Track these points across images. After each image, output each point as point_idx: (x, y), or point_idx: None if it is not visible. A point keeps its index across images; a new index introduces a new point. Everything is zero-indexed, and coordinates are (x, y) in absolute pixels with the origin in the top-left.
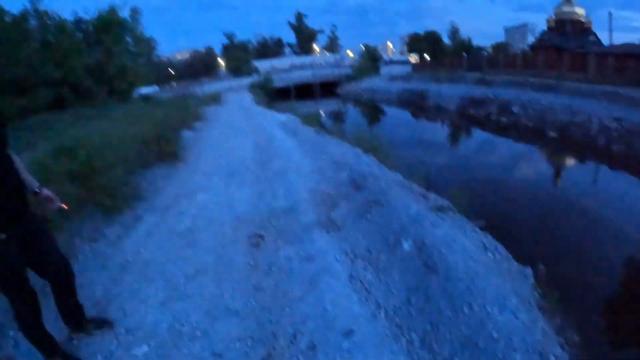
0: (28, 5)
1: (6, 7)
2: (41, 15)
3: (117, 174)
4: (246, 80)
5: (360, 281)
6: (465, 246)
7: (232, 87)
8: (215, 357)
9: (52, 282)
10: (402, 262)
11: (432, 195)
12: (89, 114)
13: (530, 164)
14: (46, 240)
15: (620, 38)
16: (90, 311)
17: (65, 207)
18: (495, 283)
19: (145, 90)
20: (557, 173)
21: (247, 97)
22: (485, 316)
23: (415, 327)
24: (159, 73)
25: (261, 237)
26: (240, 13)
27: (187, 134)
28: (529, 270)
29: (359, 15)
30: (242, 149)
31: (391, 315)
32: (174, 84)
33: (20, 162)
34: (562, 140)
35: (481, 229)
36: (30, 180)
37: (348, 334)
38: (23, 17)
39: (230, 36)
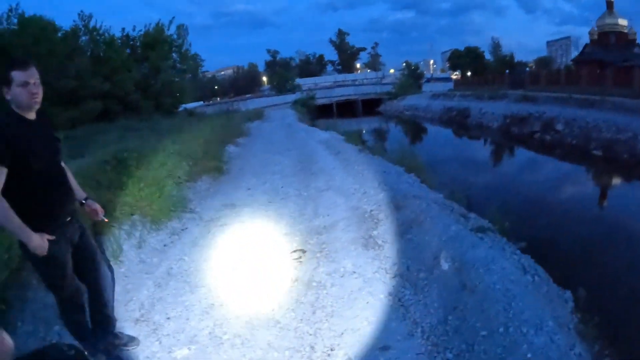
0: (79, 22)
1: (58, 23)
2: (91, 31)
3: (164, 185)
4: (289, 97)
5: (399, 299)
6: (504, 268)
7: (275, 103)
8: None
9: (92, 287)
10: (441, 281)
11: (472, 215)
12: (136, 126)
13: (574, 183)
14: (92, 247)
15: None
16: (134, 314)
17: (107, 221)
18: (533, 305)
19: (189, 105)
20: (602, 193)
21: (290, 114)
22: (520, 338)
23: (450, 346)
24: (204, 89)
25: (303, 251)
26: (283, 31)
27: (231, 149)
28: (568, 294)
29: (399, 33)
30: (284, 165)
31: (427, 333)
32: (218, 99)
33: (68, 171)
34: (607, 158)
35: (522, 250)
36: (78, 189)
37: (384, 349)
38: (74, 32)
39: (273, 53)
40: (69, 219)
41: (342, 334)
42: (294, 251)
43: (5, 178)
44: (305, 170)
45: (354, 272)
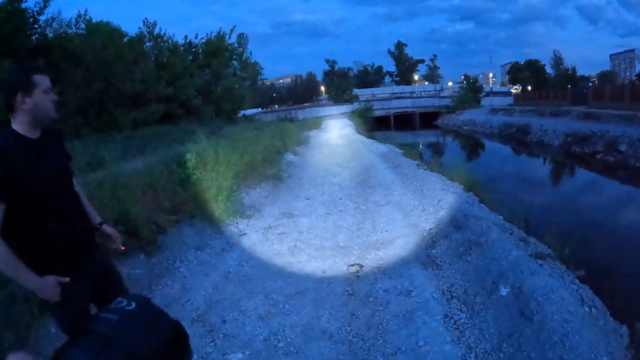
0: (144, 29)
1: (123, 29)
2: (155, 37)
3: (225, 189)
4: (346, 107)
5: (455, 322)
6: (563, 298)
7: (333, 113)
8: None
9: None
10: (498, 307)
11: (532, 240)
12: (197, 130)
13: (637, 209)
14: (114, 280)
15: None
16: (191, 314)
17: (123, 249)
18: (589, 339)
19: (248, 111)
20: None
21: (348, 125)
22: None
23: None
24: (262, 96)
25: (360, 266)
26: (342, 41)
27: (289, 157)
28: (624, 329)
29: (458, 45)
30: (343, 177)
31: (481, 359)
32: (276, 107)
33: (82, 193)
34: None
35: (580, 280)
36: (92, 213)
37: None
38: (139, 38)
39: (331, 63)
40: (86, 253)
41: (396, 352)
42: (351, 265)
43: (5, 214)
44: (363, 183)
45: (411, 291)
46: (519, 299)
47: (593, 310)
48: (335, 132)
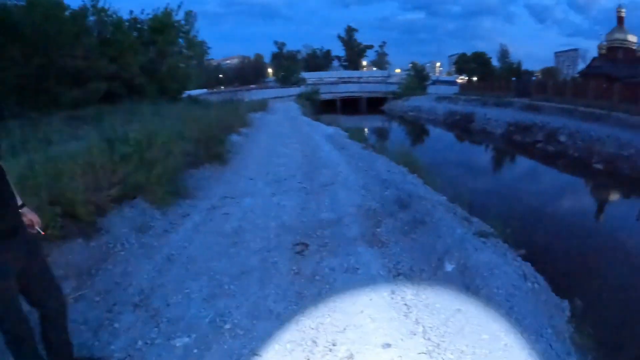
0: (87, 2)
1: (66, 2)
2: (99, 11)
3: (167, 170)
4: (293, 90)
5: (402, 297)
6: (507, 273)
7: (279, 95)
8: (255, 356)
9: (44, 312)
10: (444, 283)
11: (475, 220)
12: (140, 110)
13: (574, 195)
14: (44, 264)
15: None
16: (133, 298)
17: (43, 234)
18: (533, 313)
19: (193, 91)
20: (601, 207)
21: (294, 107)
22: (522, 343)
23: (451, 347)
24: (208, 76)
25: (305, 245)
26: (293, 24)
27: (234, 138)
28: (565, 304)
29: (408, 33)
30: (288, 158)
31: (429, 334)
32: (222, 88)
33: (7, 174)
34: (608, 173)
35: (522, 257)
36: (15, 194)
37: (386, 347)
38: (82, 12)
39: (280, 45)
40: (10, 233)
41: (345, 329)
42: (297, 244)
43: None
44: (309, 164)
45: (358, 269)
46: (464, 274)
47: (535, 285)
48: (282, 114)
